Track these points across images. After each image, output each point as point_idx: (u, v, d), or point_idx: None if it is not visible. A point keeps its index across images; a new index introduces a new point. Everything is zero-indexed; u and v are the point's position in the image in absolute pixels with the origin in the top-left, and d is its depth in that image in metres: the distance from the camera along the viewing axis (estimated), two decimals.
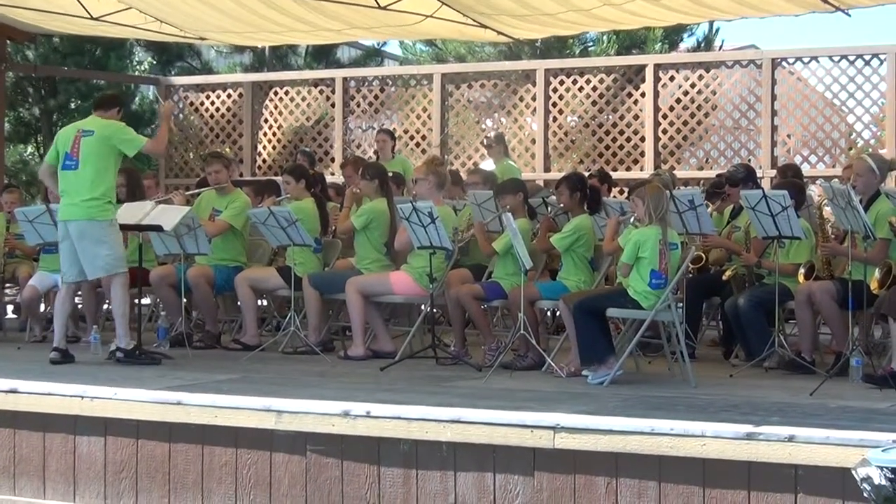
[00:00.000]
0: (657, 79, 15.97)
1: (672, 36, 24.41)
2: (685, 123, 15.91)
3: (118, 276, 10.33)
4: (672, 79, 16.02)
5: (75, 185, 10.26)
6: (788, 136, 15.70)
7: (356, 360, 10.53)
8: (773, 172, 13.99)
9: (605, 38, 23.55)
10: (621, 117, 16.24)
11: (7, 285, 13.08)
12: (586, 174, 11.95)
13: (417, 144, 17.12)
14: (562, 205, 10.28)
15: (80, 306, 12.07)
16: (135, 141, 10.40)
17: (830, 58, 15.18)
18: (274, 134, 18.01)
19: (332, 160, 17.32)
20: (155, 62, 24.97)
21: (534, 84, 16.59)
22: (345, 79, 17.85)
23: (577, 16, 12.88)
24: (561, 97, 16.47)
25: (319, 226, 11.45)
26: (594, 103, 16.38)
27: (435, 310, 10.83)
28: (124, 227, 11.14)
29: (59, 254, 11.35)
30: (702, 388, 8.86)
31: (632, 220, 9.53)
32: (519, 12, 12.94)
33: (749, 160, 15.24)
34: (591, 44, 24.51)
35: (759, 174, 13.50)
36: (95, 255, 10.21)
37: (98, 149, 10.25)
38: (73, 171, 10.29)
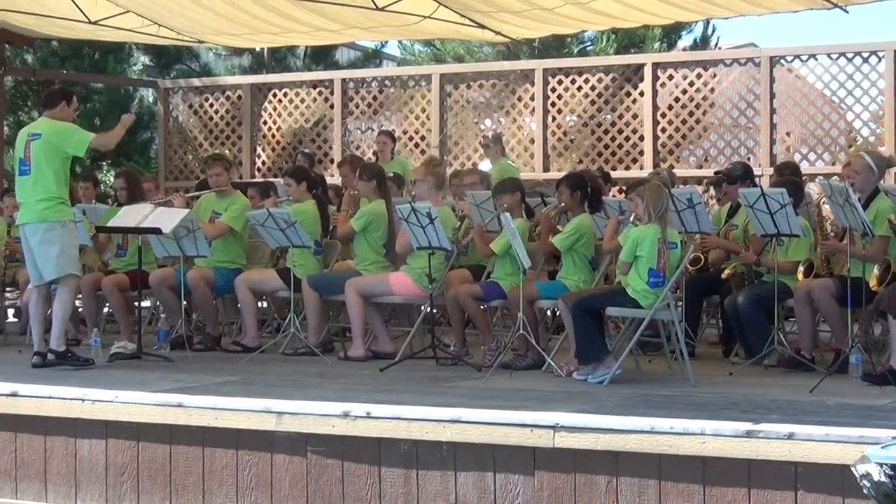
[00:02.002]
0: (655, 78, 15.98)
1: (670, 35, 24.39)
2: (684, 122, 15.91)
3: (68, 277, 10.24)
4: (671, 78, 16.02)
5: (28, 189, 10.22)
6: (787, 133, 15.70)
7: (356, 361, 10.54)
8: (773, 170, 13.98)
9: (603, 37, 23.52)
10: (620, 116, 16.24)
11: (8, 289, 13.09)
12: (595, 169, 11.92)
13: (416, 145, 17.13)
14: (562, 204, 10.28)
15: (80, 310, 12.07)
16: (82, 140, 10.26)
17: (829, 55, 15.17)
18: (273, 136, 18.02)
19: (332, 161, 17.32)
20: (153, 65, 24.96)
21: (532, 84, 16.59)
22: (343, 80, 17.86)
23: (574, 10, 12.87)
24: (560, 97, 16.47)
25: (320, 228, 11.45)
26: (593, 103, 16.38)
27: (434, 310, 10.84)
28: (123, 230, 11.17)
29: None
30: (701, 387, 8.87)
31: (631, 218, 9.54)
32: (517, 8, 12.94)
33: (748, 158, 15.24)
34: (589, 43, 24.48)
35: (758, 172, 13.53)
36: (47, 255, 10.14)
37: (46, 151, 10.16)
38: (27, 175, 10.24)
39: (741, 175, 11.18)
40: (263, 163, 18.04)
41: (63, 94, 10.67)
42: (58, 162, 10.19)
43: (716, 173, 12.26)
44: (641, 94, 16.05)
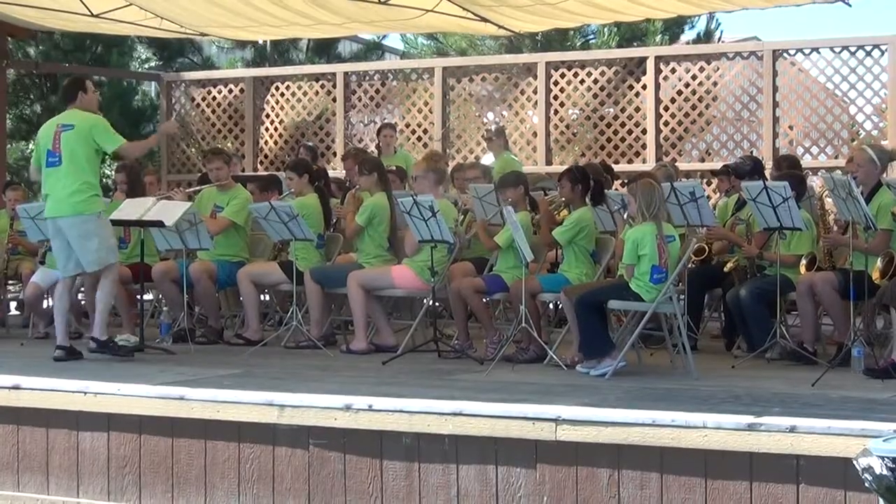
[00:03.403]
0: (658, 71, 15.96)
1: (673, 28, 24.37)
2: (686, 115, 15.89)
3: (109, 267, 10.29)
4: (673, 71, 16.00)
5: (60, 181, 10.20)
6: (790, 127, 15.68)
7: (358, 354, 10.55)
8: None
9: (605, 30, 23.47)
10: (622, 110, 16.23)
11: (10, 282, 13.10)
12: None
13: (419, 138, 17.12)
14: (563, 198, 10.28)
15: (82, 302, 12.08)
16: (114, 139, 10.29)
17: (832, 48, 15.15)
18: (276, 129, 18.01)
19: (334, 155, 17.32)
20: (156, 58, 24.94)
21: (535, 77, 16.58)
22: (346, 73, 17.84)
23: (577, 5, 12.86)
24: (562, 90, 16.46)
25: (323, 221, 11.45)
26: (595, 96, 16.37)
27: (437, 303, 10.83)
28: (126, 223, 11.16)
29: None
30: (703, 380, 8.87)
31: (625, 216, 9.55)
32: (521, 3, 12.93)
33: (751, 152, 15.22)
34: (591, 36, 24.43)
35: None
36: (87, 249, 10.16)
37: (78, 142, 10.17)
38: (56, 167, 10.22)
39: (750, 170, 11.14)
40: (266, 156, 18.03)
41: (76, 83, 10.65)
42: (91, 153, 10.22)
43: (724, 167, 12.26)
44: (644, 87, 16.03)
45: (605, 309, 9.40)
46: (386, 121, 16.37)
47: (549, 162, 16.28)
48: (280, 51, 24.64)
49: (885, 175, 10.14)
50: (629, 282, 9.24)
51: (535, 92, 16.57)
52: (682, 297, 10.22)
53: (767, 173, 11.67)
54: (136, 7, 14.05)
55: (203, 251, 11.45)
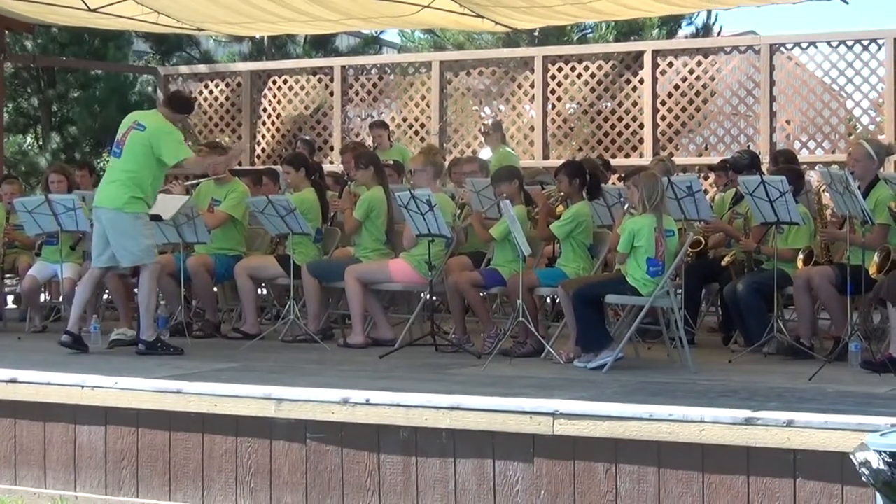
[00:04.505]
0: (655, 65, 15.95)
1: (670, 23, 24.38)
2: (684, 110, 15.89)
3: (145, 267, 10.22)
4: (670, 65, 16.00)
5: (112, 173, 10.23)
6: (787, 121, 15.68)
7: (355, 348, 10.54)
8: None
9: (603, 25, 23.50)
10: (620, 104, 16.22)
11: (7, 276, 13.08)
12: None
13: (416, 132, 17.11)
14: (562, 192, 10.28)
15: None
16: (178, 151, 10.20)
17: (829, 43, 15.15)
18: (273, 123, 18.00)
19: (332, 149, 17.31)
20: (154, 52, 24.93)
21: (532, 71, 16.57)
22: (343, 67, 17.83)
23: (574, 9, 12.87)
24: (559, 84, 16.45)
25: (320, 215, 11.45)
26: (592, 90, 16.36)
27: (434, 297, 10.84)
28: None
29: (59, 245, 11.60)
30: (701, 374, 8.88)
31: (626, 207, 9.55)
32: (516, 4, 12.94)
33: (748, 146, 15.21)
34: (589, 31, 24.47)
35: None
36: (123, 245, 10.14)
37: (142, 143, 10.12)
38: (116, 158, 10.27)
39: (748, 164, 11.15)
40: (263, 150, 18.02)
41: (188, 104, 10.83)
42: (151, 156, 10.12)
43: (722, 161, 12.26)
44: (641, 81, 16.03)
45: (602, 303, 9.41)
46: (373, 119, 16.29)
47: (546, 156, 16.28)
48: (277, 45, 24.65)
49: (882, 170, 10.14)
50: (622, 267, 9.26)
51: (532, 86, 16.56)
52: (679, 291, 10.24)
53: (764, 168, 11.68)
54: (133, 2, 14.04)
55: (200, 245, 11.45)
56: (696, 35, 24.69)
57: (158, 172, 10.29)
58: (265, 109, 18.09)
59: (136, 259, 10.22)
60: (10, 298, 13.66)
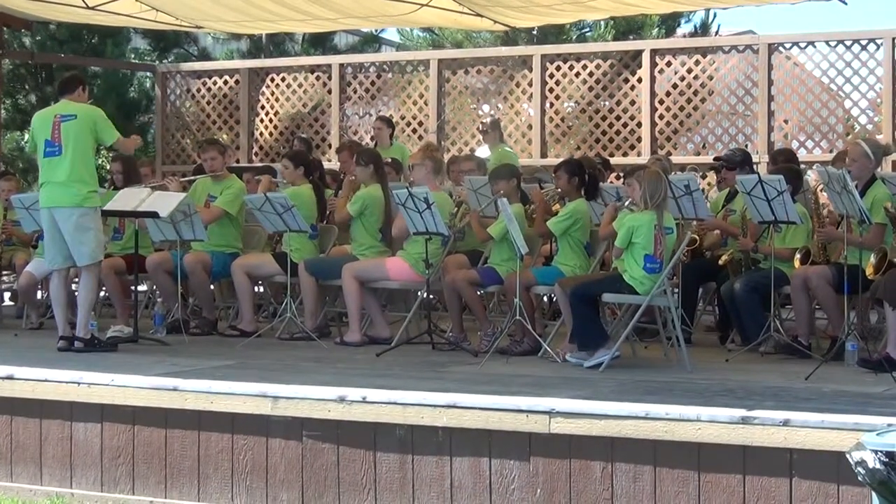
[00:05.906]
0: (654, 64, 15.95)
1: (669, 21, 24.36)
2: (682, 109, 15.89)
3: (94, 264, 10.23)
4: (669, 64, 15.99)
5: (61, 171, 10.11)
6: (785, 121, 15.67)
7: (352, 346, 10.54)
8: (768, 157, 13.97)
9: (601, 23, 23.45)
10: (618, 103, 16.22)
11: (4, 272, 13.08)
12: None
13: (414, 131, 17.10)
14: (559, 190, 10.28)
15: (76, 293, 12.05)
16: (113, 131, 10.31)
17: (827, 43, 15.15)
18: (271, 120, 17.98)
19: (329, 146, 17.30)
20: (152, 49, 24.90)
21: (530, 70, 16.56)
22: (341, 65, 17.80)
23: (572, 7, 12.86)
24: (557, 83, 16.44)
25: (316, 212, 11.44)
26: (591, 89, 16.35)
27: (431, 295, 10.84)
28: (120, 214, 11.15)
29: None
30: (697, 373, 8.88)
31: (627, 203, 9.54)
32: (515, 3, 12.93)
33: (746, 145, 15.22)
34: (587, 29, 24.44)
35: (755, 159, 13.50)
36: (82, 241, 10.09)
37: (81, 133, 10.13)
38: (56, 157, 10.14)
39: (740, 161, 11.18)
40: (261, 147, 18.01)
41: (80, 80, 10.72)
42: (92, 144, 10.24)
43: (715, 159, 12.26)
44: (639, 80, 16.02)
45: (599, 301, 9.41)
46: (380, 113, 16.33)
47: (544, 155, 16.27)
48: (276, 42, 24.61)
49: (879, 169, 10.14)
50: (619, 265, 9.26)
51: (530, 84, 16.55)
52: (676, 290, 10.24)
53: (765, 167, 11.68)
54: None
55: (197, 242, 11.44)
56: (694, 34, 24.64)
57: (94, 160, 10.37)
58: (263, 107, 18.07)
59: (93, 257, 10.16)
60: (6, 295, 13.65)
